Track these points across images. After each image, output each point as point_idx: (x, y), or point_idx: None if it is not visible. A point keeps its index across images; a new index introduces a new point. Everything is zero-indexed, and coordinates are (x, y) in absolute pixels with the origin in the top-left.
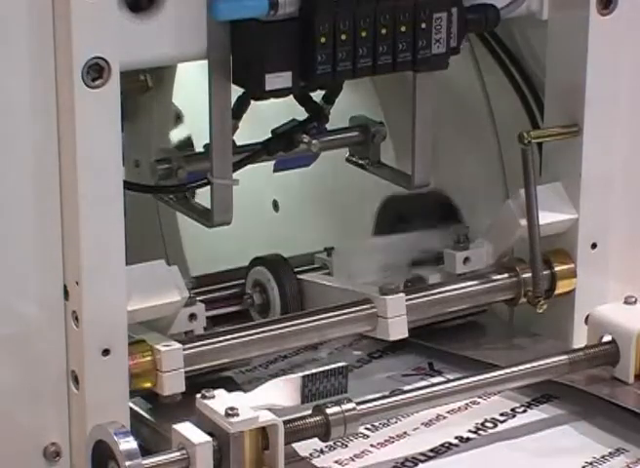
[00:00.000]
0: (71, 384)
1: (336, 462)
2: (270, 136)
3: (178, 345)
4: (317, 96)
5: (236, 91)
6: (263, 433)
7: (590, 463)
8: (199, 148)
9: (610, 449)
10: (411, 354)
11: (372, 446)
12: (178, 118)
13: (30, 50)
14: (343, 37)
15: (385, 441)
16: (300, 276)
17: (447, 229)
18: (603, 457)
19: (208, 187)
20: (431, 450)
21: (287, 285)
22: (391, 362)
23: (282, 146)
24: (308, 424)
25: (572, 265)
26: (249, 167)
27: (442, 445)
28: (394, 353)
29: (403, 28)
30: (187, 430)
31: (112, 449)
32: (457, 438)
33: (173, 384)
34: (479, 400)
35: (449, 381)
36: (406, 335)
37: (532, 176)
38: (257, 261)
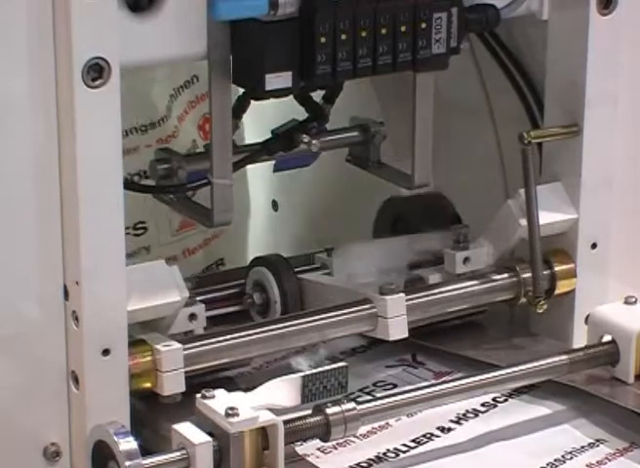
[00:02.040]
0: (71, 384)
1: (317, 449)
2: (270, 135)
3: (178, 345)
4: (317, 96)
5: (236, 91)
6: (263, 433)
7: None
8: None
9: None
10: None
11: (355, 436)
12: None
13: (30, 50)
14: (343, 37)
15: (368, 431)
16: (300, 276)
17: (447, 231)
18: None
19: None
20: (413, 441)
21: (287, 284)
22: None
23: (282, 146)
24: (308, 424)
25: (572, 265)
26: (249, 167)
27: (424, 435)
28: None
29: (403, 28)
30: (187, 430)
31: (112, 449)
32: (439, 428)
33: (173, 384)
34: None
35: (449, 381)
36: (406, 335)
37: (532, 176)
38: (257, 261)
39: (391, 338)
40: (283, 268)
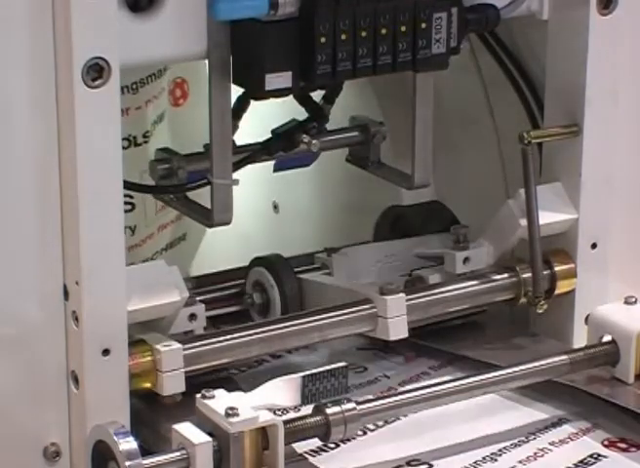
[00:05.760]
0: (71, 384)
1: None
2: (270, 135)
3: (178, 345)
4: (317, 96)
5: (236, 91)
6: (263, 433)
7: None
8: None
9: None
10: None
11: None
12: None
13: (30, 50)
14: (343, 37)
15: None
16: (300, 276)
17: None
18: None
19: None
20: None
21: (287, 285)
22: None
23: (282, 146)
24: (308, 424)
25: (572, 265)
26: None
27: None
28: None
29: (403, 28)
30: (187, 430)
31: (112, 449)
32: None
33: (173, 384)
34: None
35: (449, 381)
36: (406, 335)
37: (532, 176)
38: (256, 262)
39: (391, 338)
40: (282, 268)
